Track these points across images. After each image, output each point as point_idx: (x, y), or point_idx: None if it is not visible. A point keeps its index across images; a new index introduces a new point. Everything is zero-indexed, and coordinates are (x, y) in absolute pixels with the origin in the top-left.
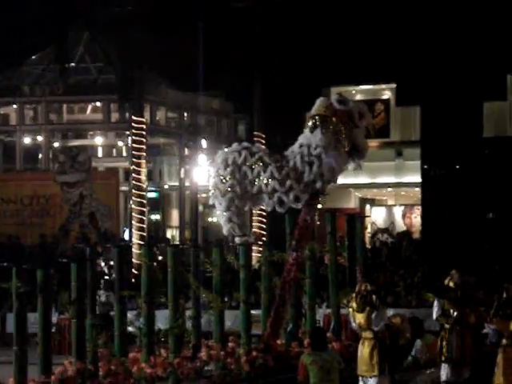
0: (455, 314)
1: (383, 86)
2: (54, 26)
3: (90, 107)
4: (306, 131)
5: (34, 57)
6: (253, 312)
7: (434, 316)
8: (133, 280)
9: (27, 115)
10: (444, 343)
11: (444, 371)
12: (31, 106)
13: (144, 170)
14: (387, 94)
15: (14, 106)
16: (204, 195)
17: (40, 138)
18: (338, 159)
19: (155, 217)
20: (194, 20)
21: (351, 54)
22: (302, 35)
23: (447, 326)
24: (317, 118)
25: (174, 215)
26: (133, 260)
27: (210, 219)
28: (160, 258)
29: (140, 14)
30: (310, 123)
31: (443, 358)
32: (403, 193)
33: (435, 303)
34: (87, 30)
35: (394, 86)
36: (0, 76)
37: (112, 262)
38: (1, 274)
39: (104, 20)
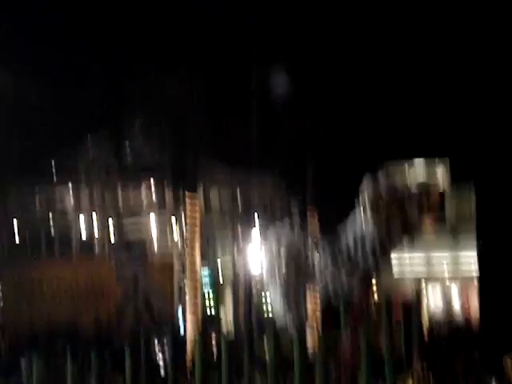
0: None
1: (436, 161)
2: (110, 109)
3: (144, 186)
4: (357, 210)
5: (89, 137)
6: None
7: None
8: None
9: (83, 195)
10: None
11: None
12: (87, 186)
13: (198, 250)
14: (440, 171)
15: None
16: (257, 279)
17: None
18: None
19: (208, 296)
20: (247, 99)
21: (404, 129)
22: (355, 111)
23: None
24: (366, 197)
25: (228, 292)
26: (187, 350)
27: (263, 302)
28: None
29: (194, 95)
30: (360, 203)
31: None
32: (459, 268)
33: None
34: (142, 112)
35: (447, 160)
36: (57, 156)
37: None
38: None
39: (159, 101)
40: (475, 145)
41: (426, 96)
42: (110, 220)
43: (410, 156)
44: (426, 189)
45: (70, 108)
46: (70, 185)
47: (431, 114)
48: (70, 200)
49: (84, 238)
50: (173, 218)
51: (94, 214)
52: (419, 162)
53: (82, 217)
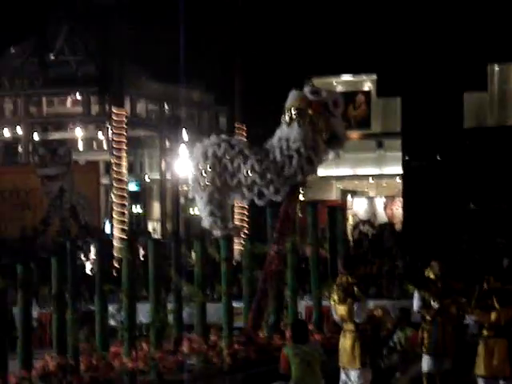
0: (436, 305)
1: (364, 77)
2: (33, 18)
3: (69, 100)
4: (283, 124)
5: (12, 50)
6: (234, 305)
7: (415, 308)
8: (114, 274)
9: (6, 108)
10: (425, 334)
11: (426, 362)
12: (10, 98)
13: (125, 163)
14: (368, 86)
15: None
16: (185, 187)
17: (20, 131)
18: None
19: (136, 210)
20: (174, 11)
21: (332, 45)
22: (283, 26)
23: (428, 317)
24: (292, 111)
25: (156, 208)
26: (114, 253)
27: (191, 212)
28: (141, 251)
29: (119, 5)
30: (286, 117)
31: (424, 350)
32: (384, 184)
33: (415, 295)
34: (66, 23)
35: (375, 77)
36: None
37: (93, 256)
38: None
39: (83, 12)
40: (403, 61)
41: (354, 11)
42: (36, 133)
43: (337, 72)
44: (353, 102)
45: None
46: None
47: (359, 29)
48: None
49: (9, 150)
50: (99, 133)
51: (18, 127)
52: (346, 77)
53: (6, 130)
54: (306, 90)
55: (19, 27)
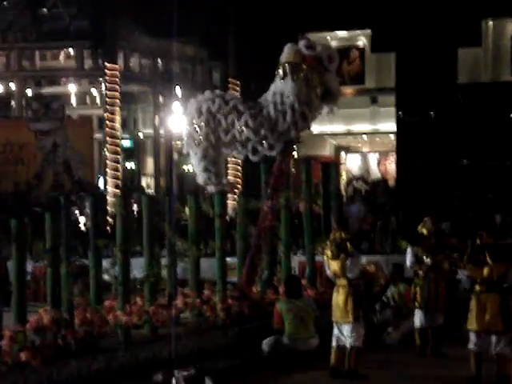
0: (428, 260)
1: (358, 33)
2: None
3: (62, 54)
4: (277, 79)
5: (5, 3)
6: (228, 260)
7: (408, 263)
8: (108, 229)
9: None
10: (418, 290)
11: (418, 318)
12: (3, 52)
13: (118, 118)
14: (362, 41)
15: None
16: (179, 143)
17: (12, 86)
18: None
19: (130, 165)
20: None
21: (325, 1)
22: None
23: (421, 272)
24: (286, 65)
25: (149, 163)
26: (107, 208)
27: (185, 167)
28: (135, 206)
29: None
30: (280, 71)
31: (417, 305)
32: (378, 140)
33: (408, 250)
34: None
35: (369, 32)
36: None
37: (86, 211)
38: None
39: None
40: (397, 16)
41: None
42: (29, 88)
43: (331, 27)
44: (347, 58)
45: None
46: None
47: None
48: None
49: (1, 104)
50: (93, 89)
51: (11, 82)
52: (341, 33)
53: None
54: (301, 44)
55: None
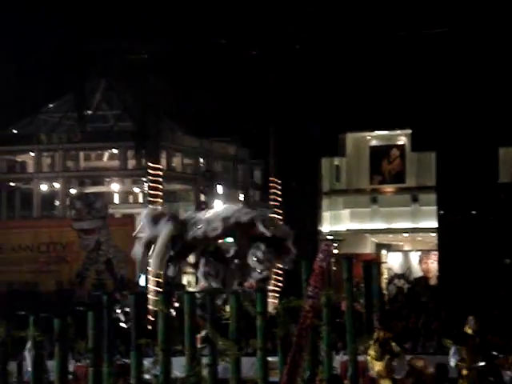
0: (472, 360)
1: (398, 132)
2: (71, 75)
3: (106, 154)
4: None
5: (51, 105)
6: (269, 359)
7: (453, 363)
8: (149, 327)
9: (44, 163)
10: None
11: None
12: (48, 153)
13: None
14: (403, 140)
15: (32, 154)
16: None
17: (57, 186)
18: None
19: None
20: (210, 67)
21: (366, 100)
22: (318, 81)
23: (465, 372)
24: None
25: (191, 261)
26: (149, 307)
27: None
28: (177, 304)
29: (155, 62)
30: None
31: None
32: (419, 238)
33: (453, 350)
34: (104, 78)
35: (410, 131)
36: (18, 124)
37: (128, 309)
38: (18, 322)
39: (120, 68)
40: (438, 116)
41: (389, 67)
42: (73, 189)
43: (372, 127)
44: (387, 156)
45: (31, 75)
46: (31, 153)
47: (393, 84)
48: (32, 167)
49: (46, 204)
50: (135, 188)
51: (56, 182)
52: (381, 132)
53: (44, 184)
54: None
55: (58, 83)
